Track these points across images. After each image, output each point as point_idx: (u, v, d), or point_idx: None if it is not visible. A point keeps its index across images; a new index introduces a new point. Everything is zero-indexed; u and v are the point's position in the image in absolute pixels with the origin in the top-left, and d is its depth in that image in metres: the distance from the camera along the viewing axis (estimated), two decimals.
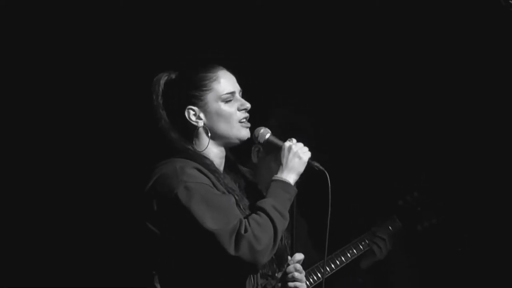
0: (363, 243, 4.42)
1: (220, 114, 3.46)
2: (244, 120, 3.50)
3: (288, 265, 3.52)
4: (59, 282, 4.87)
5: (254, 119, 3.54)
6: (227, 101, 3.48)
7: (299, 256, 3.54)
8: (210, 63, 3.51)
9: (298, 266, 3.52)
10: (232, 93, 3.49)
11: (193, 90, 3.47)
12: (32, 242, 4.94)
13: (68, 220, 4.95)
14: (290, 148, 3.49)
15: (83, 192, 4.96)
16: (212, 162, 3.46)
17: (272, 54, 5.02)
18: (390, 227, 4.47)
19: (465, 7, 4.80)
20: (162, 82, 3.51)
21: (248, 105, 3.51)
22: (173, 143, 3.46)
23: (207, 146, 3.47)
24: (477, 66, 4.92)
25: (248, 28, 4.99)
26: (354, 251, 4.40)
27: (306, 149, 3.51)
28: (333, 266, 4.32)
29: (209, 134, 3.47)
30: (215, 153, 3.50)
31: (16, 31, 4.86)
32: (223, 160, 3.53)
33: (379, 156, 5.08)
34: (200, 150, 3.47)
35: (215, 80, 3.48)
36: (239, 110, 3.49)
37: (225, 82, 3.49)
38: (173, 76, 3.53)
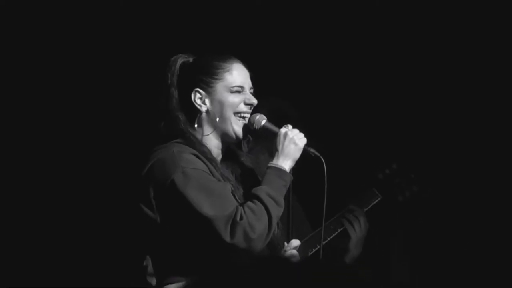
0: (340, 220, 4.23)
1: (223, 103, 3.46)
2: (244, 115, 3.48)
3: (285, 251, 3.50)
4: (54, 271, 4.85)
5: None
6: (234, 92, 3.47)
7: (296, 242, 3.53)
8: (228, 54, 3.53)
9: (295, 252, 3.52)
10: (241, 87, 3.48)
11: (204, 75, 3.47)
12: (29, 237, 4.92)
13: (64, 207, 4.93)
14: (286, 134, 3.47)
15: (79, 179, 4.94)
16: (209, 151, 3.45)
17: (271, 54, 5.01)
18: (369, 201, 4.32)
19: (467, 5, 4.80)
20: (179, 63, 3.52)
21: (254, 101, 3.50)
22: (177, 124, 3.46)
23: (207, 134, 3.47)
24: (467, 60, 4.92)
25: (248, 28, 4.99)
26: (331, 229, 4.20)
27: (302, 135, 3.50)
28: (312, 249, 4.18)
29: (210, 121, 3.45)
30: (213, 143, 3.49)
31: (16, 31, 4.86)
32: (220, 152, 3.52)
33: (358, 135, 5.06)
34: (199, 137, 3.45)
35: (227, 71, 3.48)
36: (244, 104, 3.48)
37: (237, 75, 3.49)
38: (190, 59, 3.54)
